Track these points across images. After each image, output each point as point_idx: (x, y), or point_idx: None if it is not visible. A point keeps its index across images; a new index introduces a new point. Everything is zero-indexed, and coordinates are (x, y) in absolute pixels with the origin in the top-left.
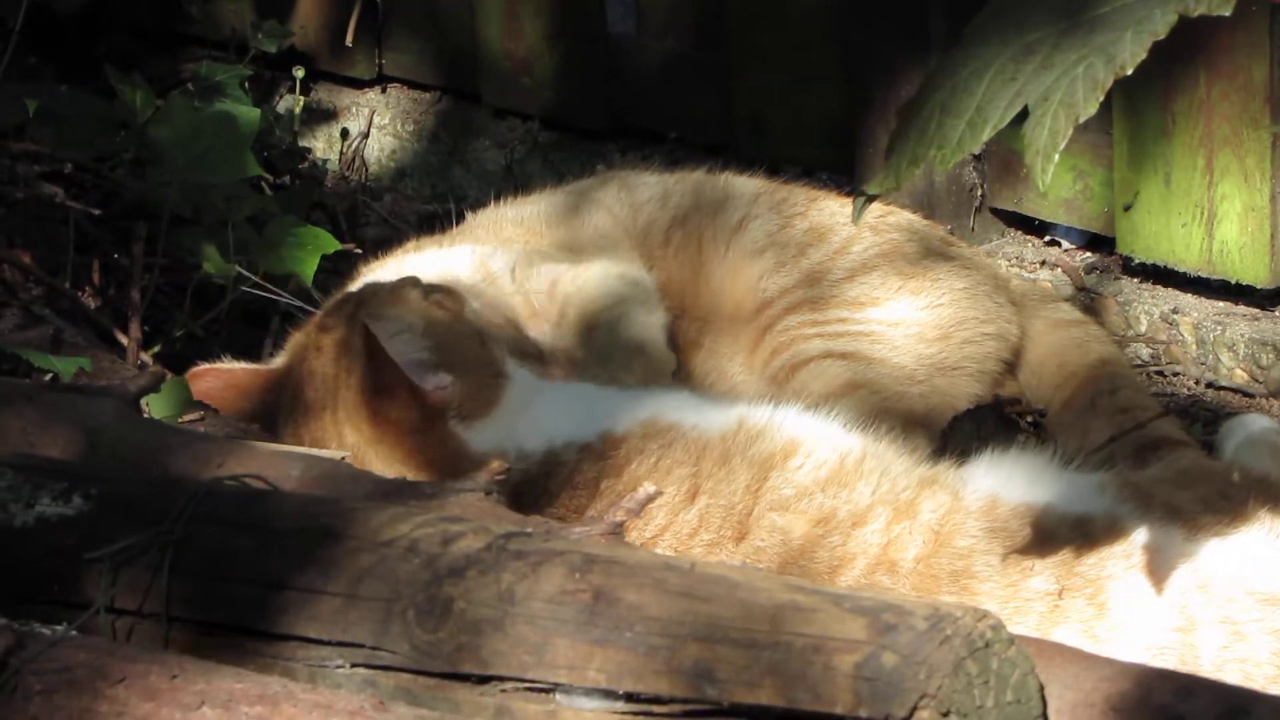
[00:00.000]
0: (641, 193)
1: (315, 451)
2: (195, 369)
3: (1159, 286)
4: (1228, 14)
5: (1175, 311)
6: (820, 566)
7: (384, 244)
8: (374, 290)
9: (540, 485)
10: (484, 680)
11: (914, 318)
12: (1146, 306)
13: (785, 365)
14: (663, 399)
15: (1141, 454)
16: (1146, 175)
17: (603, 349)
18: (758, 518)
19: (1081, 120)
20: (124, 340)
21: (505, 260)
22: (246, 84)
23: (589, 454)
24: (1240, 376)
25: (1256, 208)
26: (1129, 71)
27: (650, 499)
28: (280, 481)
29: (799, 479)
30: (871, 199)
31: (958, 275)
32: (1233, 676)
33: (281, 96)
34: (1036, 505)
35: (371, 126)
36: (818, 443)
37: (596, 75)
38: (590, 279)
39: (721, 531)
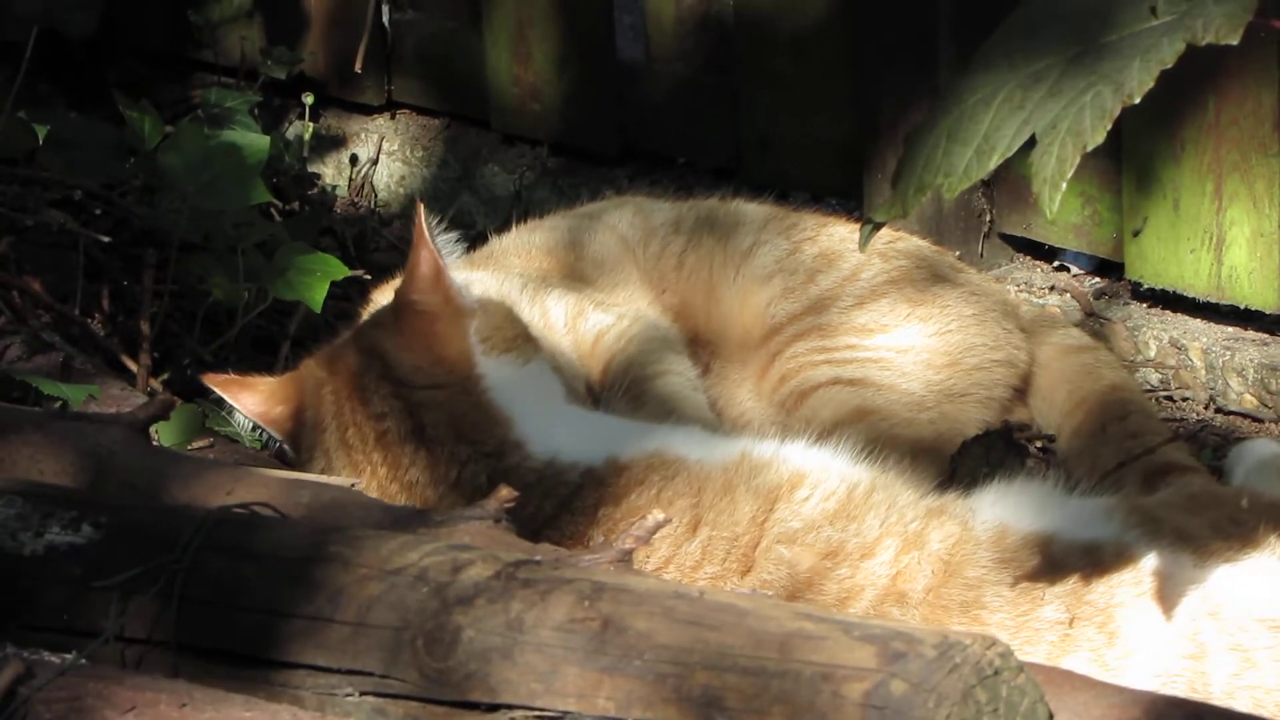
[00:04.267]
0: (656, 217)
1: (324, 479)
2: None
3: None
4: (1235, 43)
5: (1184, 336)
6: (828, 599)
7: (393, 270)
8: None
9: (537, 503)
10: (493, 709)
11: (923, 344)
12: (1155, 332)
13: (794, 392)
14: (672, 433)
15: (1150, 479)
16: (1155, 201)
17: (638, 407)
18: (764, 550)
19: (1089, 149)
20: (133, 367)
21: (564, 304)
22: (256, 110)
23: (592, 478)
24: (1249, 401)
25: (1265, 233)
26: (1137, 100)
27: (659, 526)
28: (288, 509)
29: (806, 511)
30: (879, 226)
31: (966, 301)
32: (1244, 704)
33: (291, 123)
34: (1046, 533)
35: (380, 152)
36: (824, 474)
37: (605, 100)
38: (633, 338)
39: (726, 564)
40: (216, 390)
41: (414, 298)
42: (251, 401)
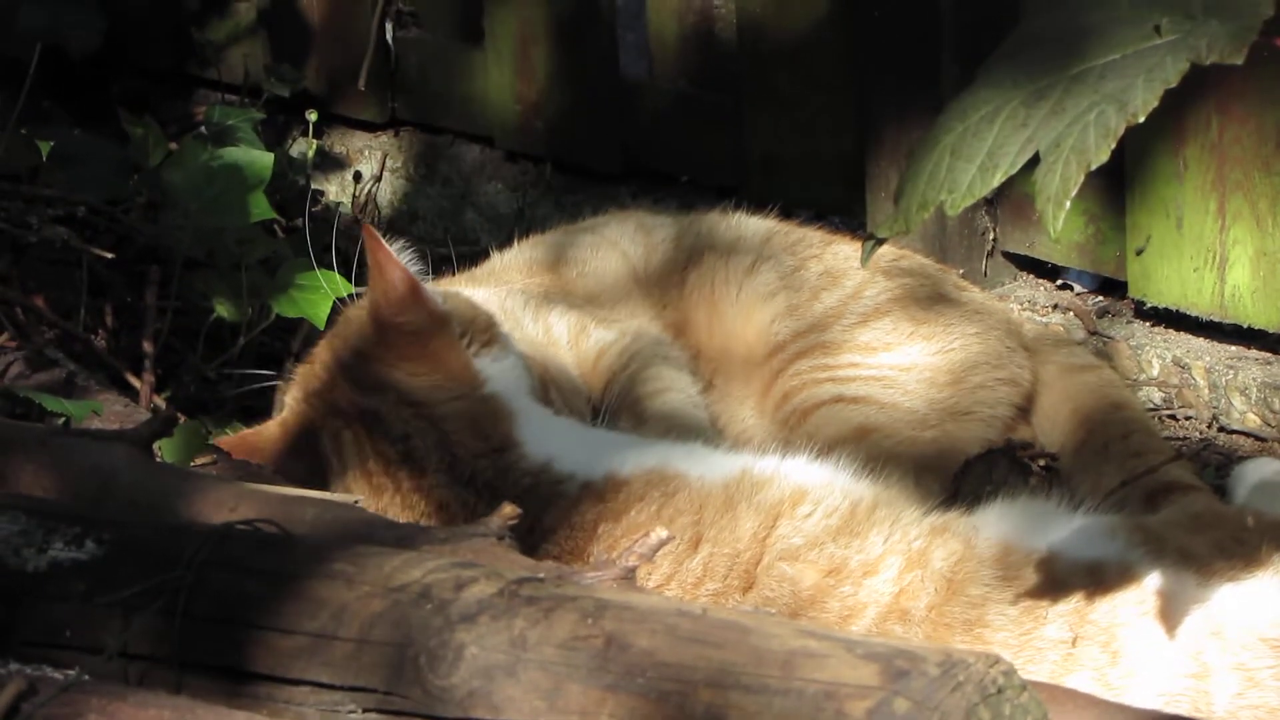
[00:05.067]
0: (657, 233)
1: (328, 495)
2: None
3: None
4: (1239, 63)
5: (1187, 355)
6: (831, 616)
7: None
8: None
9: (535, 515)
10: None
11: (926, 362)
12: (1158, 350)
13: (796, 409)
14: (673, 449)
15: (1153, 499)
16: (1158, 219)
17: (639, 424)
18: (766, 567)
19: (1093, 168)
20: (137, 384)
21: (567, 321)
22: (259, 127)
23: (590, 493)
24: (1252, 421)
25: (1269, 252)
26: (1141, 119)
27: (662, 544)
28: (293, 526)
29: (809, 527)
30: (880, 242)
31: (969, 320)
32: None
33: (294, 140)
34: (1049, 551)
35: (384, 169)
36: (827, 490)
37: (608, 118)
38: (635, 354)
39: (728, 580)
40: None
41: (399, 320)
42: (262, 461)
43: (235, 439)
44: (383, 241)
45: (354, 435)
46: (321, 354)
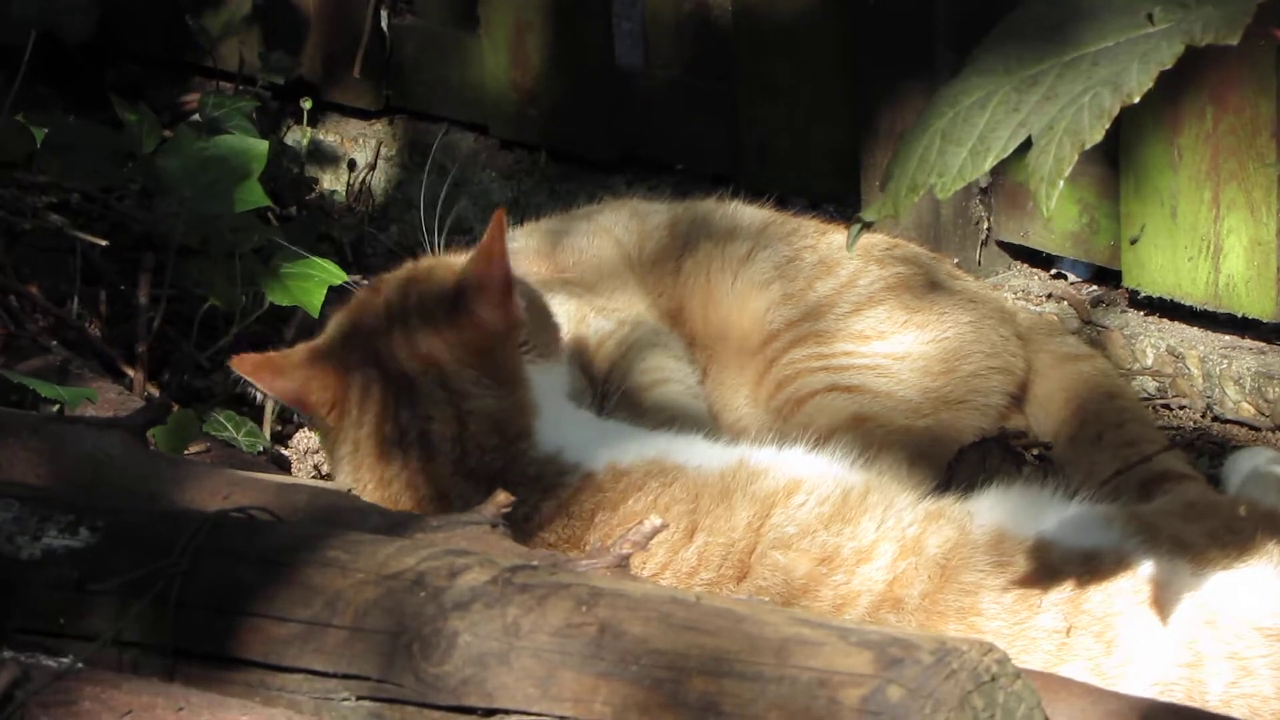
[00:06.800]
0: (651, 220)
1: (322, 484)
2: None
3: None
4: (1234, 43)
5: (1181, 344)
6: (824, 604)
7: None
8: None
9: (535, 504)
10: (489, 714)
11: (919, 351)
12: (1152, 340)
13: (790, 398)
14: (674, 440)
15: (1147, 487)
16: (1153, 209)
17: (638, 415)
18: (760, 556)
19: (1087, 146)
20: (130, 371)
21: (566, 310)
22: (254, 115)
23: (590, 483)
24: (1246, 410)
25: (1263, 242)
26: (1136, 100)
27: (656, 531)
28: (285, 513)
29: (802, 516)
30: (867, 226)
31: (963, 309)
32: (1240, 713)
33: (289, 127)
34: (1043, 539)
35: (378, 158)
36: (820, 479)
37: (603, 106)
38: (633, 344)
39: (722, 570)
40: (246, 376)
41: (478, 312)
42: (286, 386)
43: (260, 357)
44: (505, 233)
45: (382, 394)
46: (389, 290)
